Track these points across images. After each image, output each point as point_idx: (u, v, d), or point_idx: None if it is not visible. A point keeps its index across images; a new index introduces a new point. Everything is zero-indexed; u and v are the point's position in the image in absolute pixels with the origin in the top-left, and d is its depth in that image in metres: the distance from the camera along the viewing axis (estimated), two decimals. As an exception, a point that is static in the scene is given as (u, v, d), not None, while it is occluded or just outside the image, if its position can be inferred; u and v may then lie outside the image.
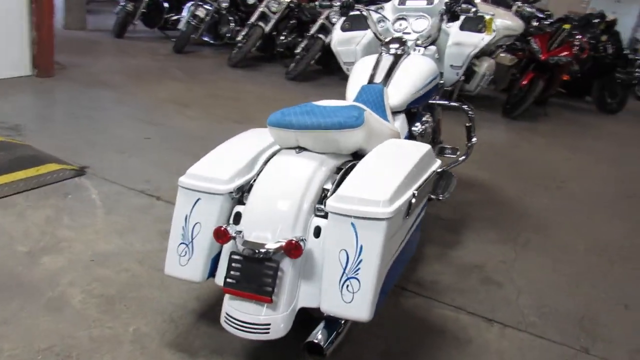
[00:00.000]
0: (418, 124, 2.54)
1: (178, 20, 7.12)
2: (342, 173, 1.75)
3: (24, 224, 2.39)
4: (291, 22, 6.66)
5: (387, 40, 2.65)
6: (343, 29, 2.98)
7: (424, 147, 1.89)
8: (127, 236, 2.41)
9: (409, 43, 2.67)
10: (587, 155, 4.85)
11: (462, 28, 2.75)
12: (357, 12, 2.88)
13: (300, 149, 1.79)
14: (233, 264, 1.59)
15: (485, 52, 5.43)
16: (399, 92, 2.41)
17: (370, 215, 1.51)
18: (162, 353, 1.75)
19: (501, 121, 5.58)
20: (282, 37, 6.71)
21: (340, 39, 2.94)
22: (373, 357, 1.87)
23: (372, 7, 2.93)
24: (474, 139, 2.92)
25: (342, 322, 1.65)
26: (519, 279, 2.48)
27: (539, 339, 2.08)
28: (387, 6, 2.96)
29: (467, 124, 2.90)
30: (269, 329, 1.56)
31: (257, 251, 1.56)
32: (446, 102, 2.85)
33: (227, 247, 1.70)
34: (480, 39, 2.66)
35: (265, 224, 1.62)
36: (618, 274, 2.68)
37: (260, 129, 2.16)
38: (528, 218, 3.21)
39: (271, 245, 1.54)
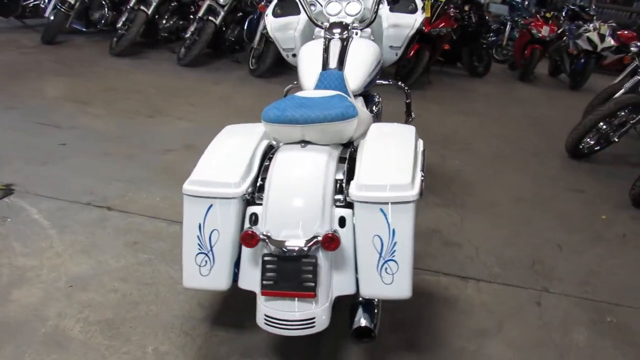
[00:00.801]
0: (373, 105, 2.66)
1: (37, 7, 6.39)
2: (347, 162, 1.81)
3: (-31, 259, 2.10)
4: (172, 4, 6.34)
5: (328, 25, 2.71)
6: (275, 15, 2.98)
7: (412, 129, 2.00)
8: (95, 254, 2.24)
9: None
10: (476, 117, 5.39)
11: (392, 10, 2.89)
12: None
13: (305, 142, 1.81)
14: (268, 266, 1.59)
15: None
16: (355, 76, 2.49)
17: (399, 200, 1.60)
18: (195, 367, 1.71)
19: (394, 92, 5.92)
20: (164, 22, 6.37)
21: (276, 26, 2.93)
22: (382, 328, 1.98)
23: (303, -10, 2.95)
24: (412, 115, 3.12)
25: (376, 301, 1.74)
26: (472, 237, 2.76)
27: (508, 287, 2.36)
28: (318, -12, 3.00)
29: (407, 101, 3.08)
30: (314, 323, 1.60)
31: (291, 249, 1.57)
32: (388, 82, 3.00)
33: (249, 250, 1.69)
34: (414, 20, 2.82)
35: (294, 222, 1.63)
36: (540, 220, 3.10)
37: (234, 126, 2.14)
38: (454, 180, 3.54)
39: (307, 242, 1.57)
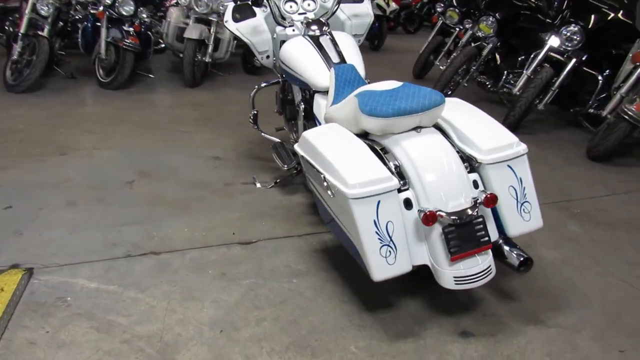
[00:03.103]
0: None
1: None
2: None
3: (85, 353, 1.82)
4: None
5: (307, 22, 2.87)
6: (235, 20, 2.98)
7: (459, 100, 2.39)
8: (201, 296, 2.15)
9: (304, 21, 2.93)
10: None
11: (341, 1, 3.16)
12: (242, 2, 2.95)
13: (419, 128, 2.07)
14: (450, 236, 1.88)
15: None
16: (359, 67, 2.75)
17: (518, 154, 2.03)
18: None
19: (251, 80, 6.09)
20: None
21: (247, 30, 2.96)
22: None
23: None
24: None
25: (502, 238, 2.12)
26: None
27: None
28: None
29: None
30: (490, 270, 1.96)
31: (466, 216, 1.88)
32: None
33: (412, 230, 1.92)
34: (367, 8, 3.14)
35: (454, 194, 1.94)
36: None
37: (311, 132, 2.20)
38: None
39: (473, 206, 1.90)
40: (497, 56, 5.07)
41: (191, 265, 2.35)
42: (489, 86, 5.10)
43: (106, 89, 5.24)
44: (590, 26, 4.14)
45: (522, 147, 2.06)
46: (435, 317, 2.08)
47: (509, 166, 2.03)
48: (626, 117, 3.53)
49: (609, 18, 4.14)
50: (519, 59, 4.98)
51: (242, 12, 3.02)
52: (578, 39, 4.12)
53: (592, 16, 4.15)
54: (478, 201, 1.93)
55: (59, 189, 3.04)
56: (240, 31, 2.98)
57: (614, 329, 2.05)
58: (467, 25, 5.75)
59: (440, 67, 5.45)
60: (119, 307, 2.05)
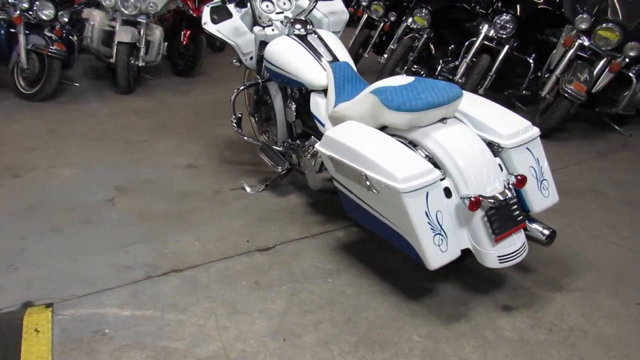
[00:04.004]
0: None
1: None
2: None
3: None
4: None
5: (290, 22, 2.86)
6: (214, 22, 2.89)
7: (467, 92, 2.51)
8: (246, 308, 2.10)
9: (284, 21, 2.93)
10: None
11: (317, -1, 3.15)
12: (218, 3, 2.88)
13: (444, 119, 2.16)
14: (493, 218, 2.03)
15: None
16: (352, 63, 2.78)
17: (533, 137, 2.21)
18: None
19: (186, 82, 5.85)
20: None
21: (229, 32, 2.88)
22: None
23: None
24: None
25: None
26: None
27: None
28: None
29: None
30: (526, 246, 2.12)
31: (505, 198, 2.01)
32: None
33: (455, 216, 2.02)
34: (341, 4, 3.17)
35: (489, 178, 2.07)
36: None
37: (335, 132, 2.23)
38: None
39: (508, 189, 2.04)
40: (431, 46, 5.34)
41: (220, 279, 2.27)
42: (424, 75, 5.35)
43: (31, 101, 4.76)
44: (519, 14, 4.51)
45: (536, 130, 2.24)
46: (473, 296, 2.21)
47: (527, 148, 2.20)
48: (566, 95, 3.92)
49: (536, 7, 4.54)
50: (450, 48, 5.30)
51: (219, 14, 2.93)
52: (511, 27, 4.47)
53: (521, 5, 4.53)
54: (511, 183, 2.08)
55: (34, 214, 2.76)
56: (221, 33, 2.89)
57: (623, 286, 2.31)
58: (392, 18, 5.98)
59: (380, 60, 5.60)
60: (167, 332, 1.94)
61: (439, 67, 5.17)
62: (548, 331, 2.02)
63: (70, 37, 5.13)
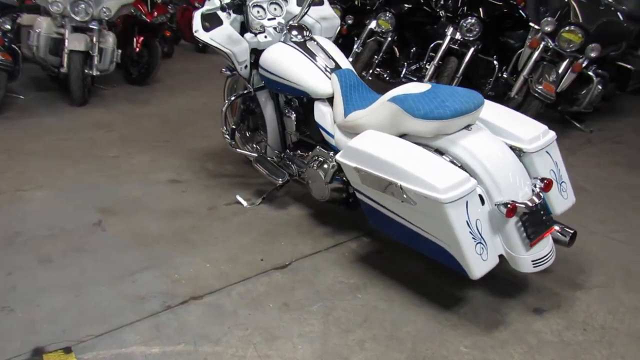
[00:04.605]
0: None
1: None
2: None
3: None
4: None
5: (287, 28, 2.76)
6: (206, 29, 2.73)
7: None
8: (283, 332, 1.98)
9: (278, 27, 2.83)
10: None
11: (298, 3, 3.06)
12: (211, 10, 2.75)
13: (469, 126, 2.15)
14: (527, 223, 2.05)
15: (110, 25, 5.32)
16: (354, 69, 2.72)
17: (551, 141, 2.25)
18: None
19: (142, 91, 5.56)
20: None
21: (224, 40, 2.74)
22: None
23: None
24: None
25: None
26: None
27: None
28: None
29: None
30: (553, 248, 2.15)
31: (536, 204, 2.03)
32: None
33: (489, 223, 2.02)
34: (331, 9, 3.09)
35: (519, 184, 2.10)
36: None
37: (356, 144, 2.18)
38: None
39: (538, 194, 2.07)
40: (395, 49, 5.39)
41: (246, 303, 2.14)
42: (387, 78, 5.39)
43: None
44: (483, 18, 4.63)
45: (553, 134, 2.28)
46: (504, 301, 2.21)
47: (547, 152, 2.24)
48: (537, 95, 4.07)
49: (499, 11, 4.69)
50: (412, 50, 5.37)
51: (210, 21, 2.77)
52: (477, 30, 4.58)
53: (484, 9, 4.66)
54: (538, 187, 2.10)
55: (15, 246, 2.48)
56: (215, 41, 2.73)
57: (633, 279, 2.40)
58: (349, 21, 5.97)
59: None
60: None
61: (403, 70, 5.23)
62: (583, 331, 2.05)
63: (14, 46, 4.74)
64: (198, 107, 4.85)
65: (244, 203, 2.96)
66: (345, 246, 2.59)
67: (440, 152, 2.15)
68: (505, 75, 4.70)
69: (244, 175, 3.34)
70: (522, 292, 2.27)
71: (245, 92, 3.00)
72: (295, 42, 2.75)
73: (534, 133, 2.23)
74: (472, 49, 4.65)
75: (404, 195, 1.98)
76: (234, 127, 3.05)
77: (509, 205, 1.95)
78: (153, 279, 2.27)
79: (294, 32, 2.78)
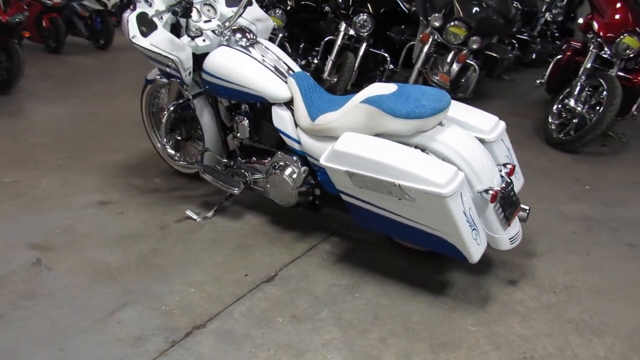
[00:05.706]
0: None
1: None
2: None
3: None
4: None
5: (230, 31, 2.64)
6: (144, 35, 2.51)
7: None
8: (308, 354, 1.92)
9: (217, 30, 2.71)
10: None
11: (227, 5, 2.93)
12: (144, 14, 2.54)
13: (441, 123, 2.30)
14: (505, 206, 2.26)
15: None
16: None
17: (503, 129, 2.50)
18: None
19: (5, 101, 4.83)
20: None
21: (168, 46, 2.53)
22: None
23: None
24: None
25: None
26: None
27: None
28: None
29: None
30: (520, 226, 2.40)
31: (511, 188, 2.27)
32: None
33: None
34: (260, 10, 2.99)
35: (493, 171, 2.30)
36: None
37: (346, 146, 2.22)
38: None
39: (508, 177, 2.30)
40: (287, 45, 5.40)
41: (254, 323, 2.04)
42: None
43: None
44: (372, 13, 4.88)
45: (503, 123, 2.54)
46: (482, 278, 2.42)
47: (501, 140, 2.48)
48: (434, 85, 4.43)
49: (385, 7, 4.98)
50: (301, 46, 5.46)
51: (146, 25, 2.54)
52: (369, 25, 4.81)
53: (372, 5, 4.91)
54: (506, 172, 2.33)
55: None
56: (158, 47, 2.51)
57: (568, 242, 2.78)
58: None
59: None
60: (250, 397, 1.69)
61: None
62: (553, 293, 2.35)
63: None
64: (86, 118, 4.38)
65: (196, 218, 2.78)
66: (320, 249, 2.59)
67: (420, 148, 2.27)
68: (397, 70, 5.03)
69: (178, 188, 3.14)
70: (492, 268, 2.51)
71: (183, 100, 2.80)
72: (241, 46, 2.64)
73: (491, 124, 2.46)
74: (364, 44, 4.88)
75: (405, 194, 2.06)
76: (178, 137, 2.83)
77: (491, 192, 2.15)
78: (139, 315, 2.05)
79: (238, 35, 2.68)
